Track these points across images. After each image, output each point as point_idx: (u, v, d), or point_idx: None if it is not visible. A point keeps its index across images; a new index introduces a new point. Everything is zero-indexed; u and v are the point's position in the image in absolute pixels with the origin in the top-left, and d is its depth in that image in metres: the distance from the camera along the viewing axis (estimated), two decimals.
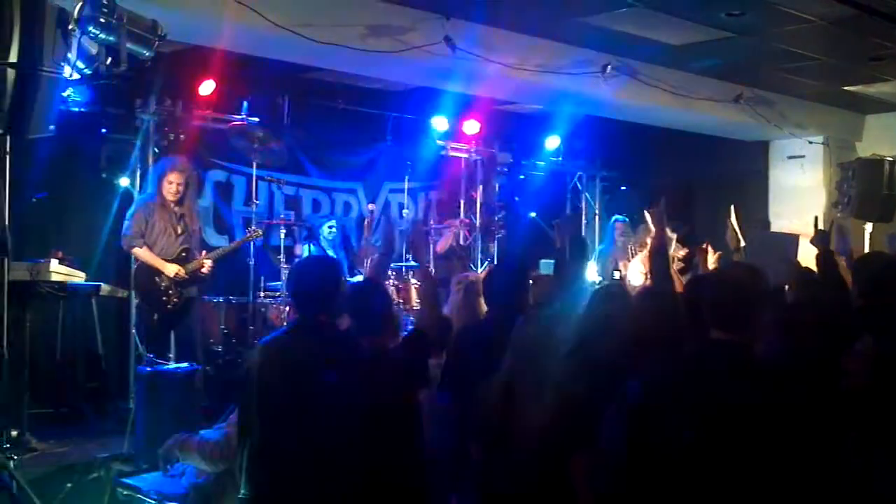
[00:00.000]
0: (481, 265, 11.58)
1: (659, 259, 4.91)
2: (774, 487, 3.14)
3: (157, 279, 7.90)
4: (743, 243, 6.27)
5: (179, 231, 8.04)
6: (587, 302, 4.35)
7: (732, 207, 6.61)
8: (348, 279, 8.05)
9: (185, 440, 5.17)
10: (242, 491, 4.06)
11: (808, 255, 6.91)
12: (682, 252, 9.18)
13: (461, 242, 11.16)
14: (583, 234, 11.74)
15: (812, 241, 5.33)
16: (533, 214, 12.31)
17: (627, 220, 10.80)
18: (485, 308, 5.47)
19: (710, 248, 6.34)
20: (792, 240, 8.27)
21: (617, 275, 10.00)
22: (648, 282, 6.51)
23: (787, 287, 5.67)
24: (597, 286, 6.49)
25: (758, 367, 3.35)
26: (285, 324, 8.93)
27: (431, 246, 10.76)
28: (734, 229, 6.32)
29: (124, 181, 8.80)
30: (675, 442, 3.20)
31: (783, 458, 3.15)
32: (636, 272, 9.45)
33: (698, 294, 3.69)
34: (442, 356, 4.88)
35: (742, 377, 3.26)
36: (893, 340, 3.87)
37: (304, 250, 9.70)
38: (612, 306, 4.18)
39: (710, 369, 3.31)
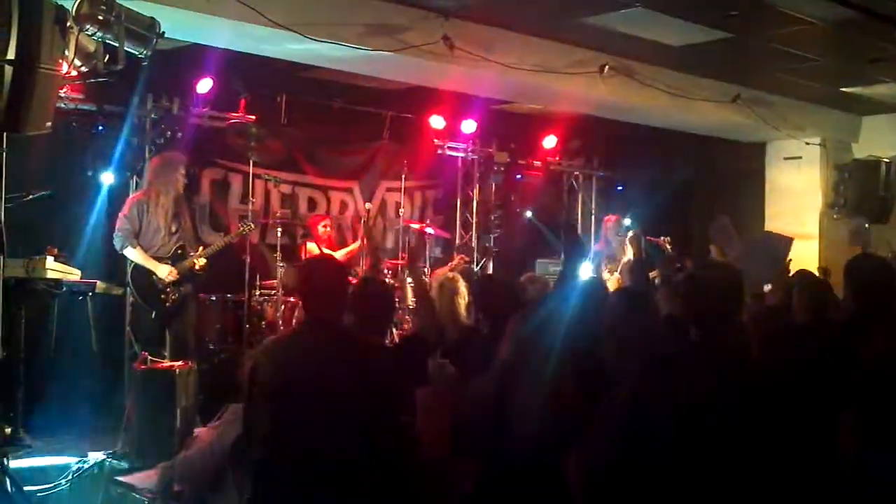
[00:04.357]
0: (478, 264, 11.61)
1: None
2: (762, 481, 3.17)
3: (154, 278, 7.87)
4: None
5: (174, 229, 7.99)
6: (575, 301, 4.39)
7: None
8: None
9: (173, 466, 5.19)
10: (250, 490, 4.05)
11: (799, 258, 6.99)
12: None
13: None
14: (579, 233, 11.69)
15: None
16: (528, 214, 12.31)
17: (620, 218, 10.77)
18: (462, 307, 5.53)
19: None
20: (786, 242, 8.27)
21: (606, 274, 9.94)
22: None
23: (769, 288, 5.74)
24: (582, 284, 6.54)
25: (736, 363, 3.40)
26: (280, 321, 8.97)
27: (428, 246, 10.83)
28: (719, 248, 6.41)
29: (108, 178, 8.75)
30: (664, 440, 3.23)
31: (767, 452, 3.18)
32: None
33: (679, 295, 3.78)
34: (437, 354, 4.89)
35: (722, 374, 3.31)
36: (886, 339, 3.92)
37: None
38: (595, 304, 4.22)
39: (691, 368, 3.37)
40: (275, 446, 3.93)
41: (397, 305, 9.65)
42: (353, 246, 10.08)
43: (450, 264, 10.72)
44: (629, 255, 9.46)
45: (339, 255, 9.52)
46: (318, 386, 3.92)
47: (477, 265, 11.58)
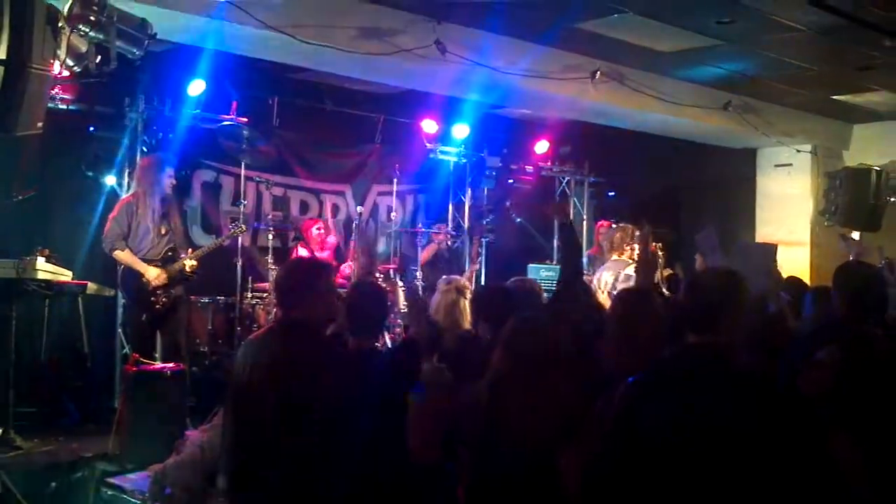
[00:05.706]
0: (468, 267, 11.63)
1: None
2: (755, 487, 3.18)
3: (144, 280, 7.83)
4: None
5: (164, 231, 7.96)
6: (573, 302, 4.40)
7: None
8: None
9: (164, 468, 5.18)
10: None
11: (790, 265, 6.99)
12: (667, 272, 9.10)
13: (448, 245, 11.17)
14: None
15: None
16: (519, 220, 12.30)
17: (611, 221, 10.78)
18: (467, 311, 5.54)
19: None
20: (769, 249, 8.24)
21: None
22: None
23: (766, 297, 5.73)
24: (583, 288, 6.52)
25: (731, 369, 3.40)
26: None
27: (419, 251, 10.86)
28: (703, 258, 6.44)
29: (111, 180, 8.76)
30: (661, 441, 3.23)
31: (760, 458, 3.18)
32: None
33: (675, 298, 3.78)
34: (433, 359, 4.88)
35: (715, 379, 3.31)
36: (871, 349, 3.92)
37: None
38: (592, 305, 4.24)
39: (685, 371, 3.36)
40: (247, 444, 3.91)
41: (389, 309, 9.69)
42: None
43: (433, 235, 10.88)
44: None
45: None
46: (284, 383, 3.88)
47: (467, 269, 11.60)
